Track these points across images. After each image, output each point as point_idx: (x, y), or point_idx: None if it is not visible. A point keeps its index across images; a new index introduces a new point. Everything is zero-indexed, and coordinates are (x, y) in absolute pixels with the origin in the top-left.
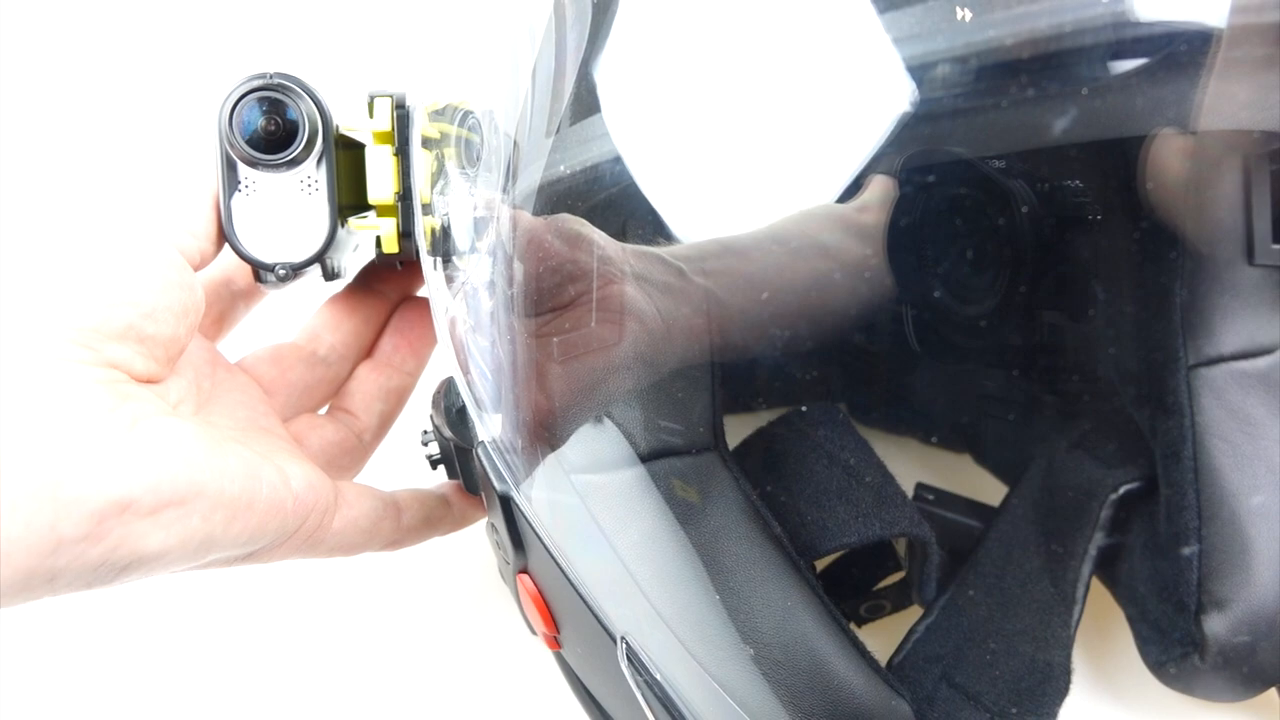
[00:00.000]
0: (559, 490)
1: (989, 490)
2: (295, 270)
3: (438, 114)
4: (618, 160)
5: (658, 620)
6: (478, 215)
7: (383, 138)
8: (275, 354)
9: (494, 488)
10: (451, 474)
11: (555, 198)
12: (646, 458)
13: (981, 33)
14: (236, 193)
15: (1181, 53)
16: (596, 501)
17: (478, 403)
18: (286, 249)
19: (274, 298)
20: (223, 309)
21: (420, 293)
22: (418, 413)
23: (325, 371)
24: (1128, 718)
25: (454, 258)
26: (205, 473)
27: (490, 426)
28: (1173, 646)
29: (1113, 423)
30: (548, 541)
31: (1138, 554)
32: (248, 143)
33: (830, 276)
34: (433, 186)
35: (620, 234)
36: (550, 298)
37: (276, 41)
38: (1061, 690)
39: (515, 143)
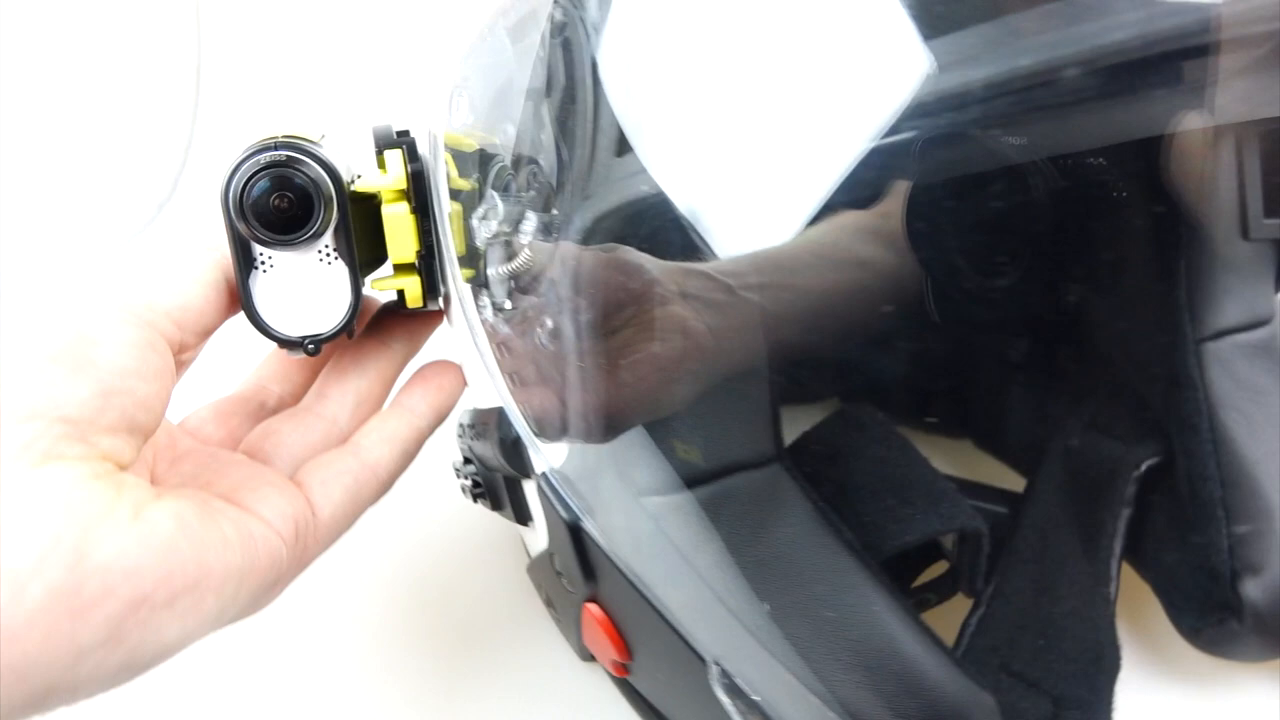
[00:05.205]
0: (631, 514)
1: (991, 478)
2: (323, 342)
3: (461, 156)
4: (652, 189)
5: (747, 638)
6: (524, 253)
7: (397, 195)
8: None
9: (560, 517)
10: (495, 506)
11: (604, 229)
12: (714, 474)
13: (1032, 59)
14: (254, 271)
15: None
16: (669, 522)
17: (536, 433)
18: (312, 321)
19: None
20: None
21: (445, 331)
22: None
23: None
24: (1167, 684)
25: (496, 292)
26: (209, 550)
27: (551, 456)
28: (1209, 613)
29: (1122, 402)
30: (624, 567)
31: (1162, 526)
32: (260, 223)
33: (865, 285)
34: (465, 239)
35: (666, 254)
36: (607, 324)
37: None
38: (1114, 666)
39: (560, 181)
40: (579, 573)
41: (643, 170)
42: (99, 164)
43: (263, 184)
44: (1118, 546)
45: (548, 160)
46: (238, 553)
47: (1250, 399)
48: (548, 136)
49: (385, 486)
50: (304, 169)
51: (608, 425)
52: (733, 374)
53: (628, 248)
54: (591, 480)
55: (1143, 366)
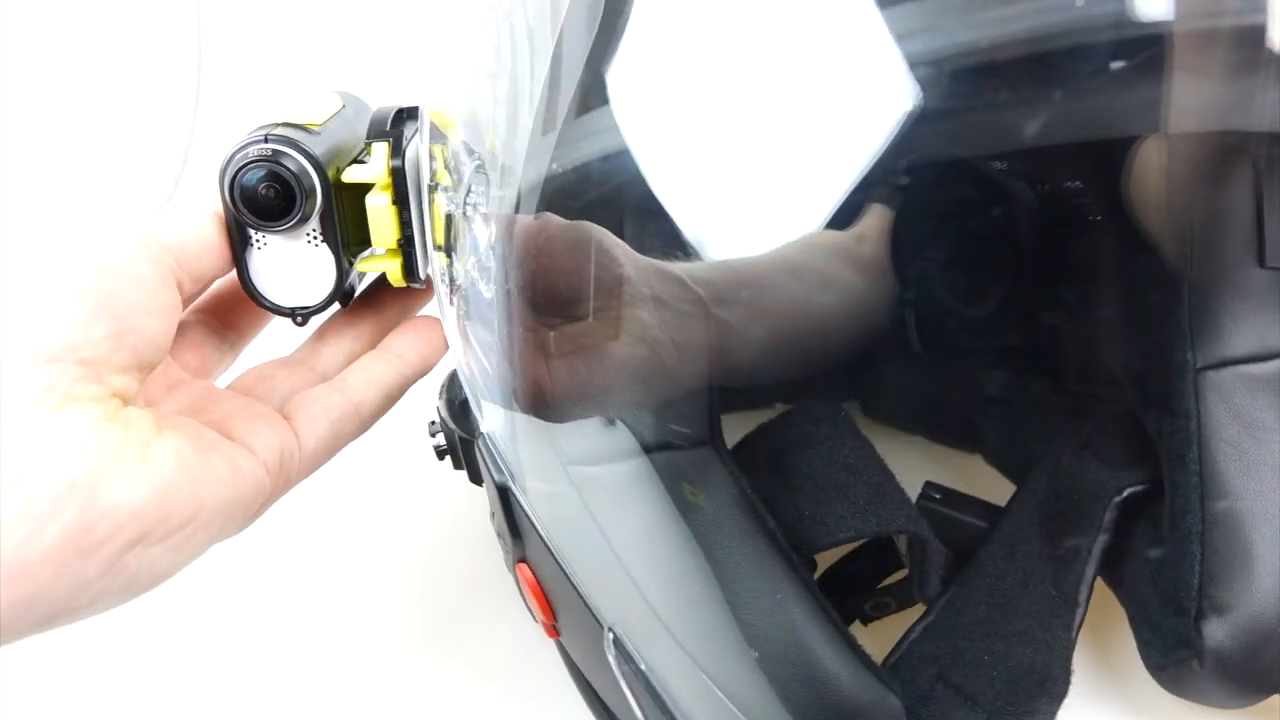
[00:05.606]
0: (555, 481)
1: (1001, 491)
2: (310, 314)
3: (444, 142)
4: (618, 157)
5: (647, 611)
6: (489, 227)
7: (382, 185)
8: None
9: (493, 478)
10: (457, 465)
11: (551, 196)
12: (642, 451)
13: (978, 34)
14: (250, 248)
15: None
16: (592, 493)
17: (478, 395)
18: (301, 295)
19: None
20: None
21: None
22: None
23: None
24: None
25: (456, 263)
26: (204, 487)
27: (490, 419)
28: (1171, 650)
29: (1119, 425)
30: (543, 532)
31: (1140, 557)
32: (250, 209)
33: (838, 310)
34: (445, 229)
35: (618, 230)
36: (561, 305)
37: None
38: (1059, 692)
39: (517, 146)
40: (508, 533)
41: (610, 129)
42: (99, 165)
43: (252, 174)
44: (1089, 572)
45: (504, 138)
46: (228, 488)
47: (1248, 434)
48: (504, 114)
49: (366, 425)
50: (288, 162)
51: (547, 410)
52: (690, 385)
53: (591, 224)
54: (523, 445)
55: (1142, 391)
